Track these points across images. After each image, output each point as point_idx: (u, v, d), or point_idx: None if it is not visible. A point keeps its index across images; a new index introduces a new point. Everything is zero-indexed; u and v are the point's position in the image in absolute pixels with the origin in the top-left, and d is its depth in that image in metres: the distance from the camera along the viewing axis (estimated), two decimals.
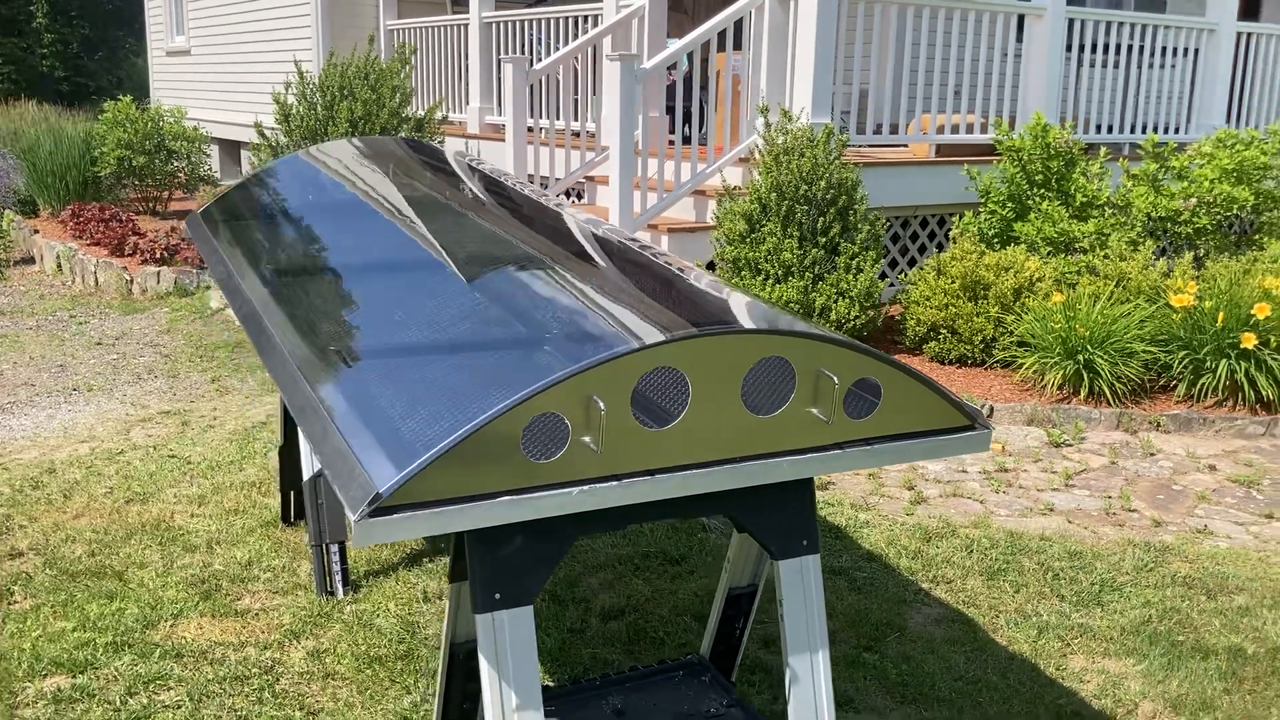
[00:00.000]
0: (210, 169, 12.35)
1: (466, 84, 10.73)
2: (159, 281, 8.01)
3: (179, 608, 3.50)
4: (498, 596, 2.13)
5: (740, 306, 2.35)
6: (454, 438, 1.90)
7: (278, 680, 3.13)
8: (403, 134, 9.59)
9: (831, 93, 7.04)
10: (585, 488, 2.02)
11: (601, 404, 1.99)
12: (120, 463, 4.79)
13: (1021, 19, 8.06)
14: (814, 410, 2.20)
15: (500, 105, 10.28)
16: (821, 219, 6.30)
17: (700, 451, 2.12)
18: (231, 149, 14.13)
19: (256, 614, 3.49)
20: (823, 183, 6.24)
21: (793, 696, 2.40)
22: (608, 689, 2.57)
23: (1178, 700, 3.15)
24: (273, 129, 9.60)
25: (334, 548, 3.63)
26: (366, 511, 1.86)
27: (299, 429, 3.59)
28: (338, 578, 3.62)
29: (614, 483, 2.05)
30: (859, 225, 6.40)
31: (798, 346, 2.15)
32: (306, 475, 3.62)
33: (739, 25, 7.19)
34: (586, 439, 2.02)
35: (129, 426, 5.33)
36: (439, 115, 10.05)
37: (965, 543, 4.12)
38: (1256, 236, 7.74)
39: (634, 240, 2.88)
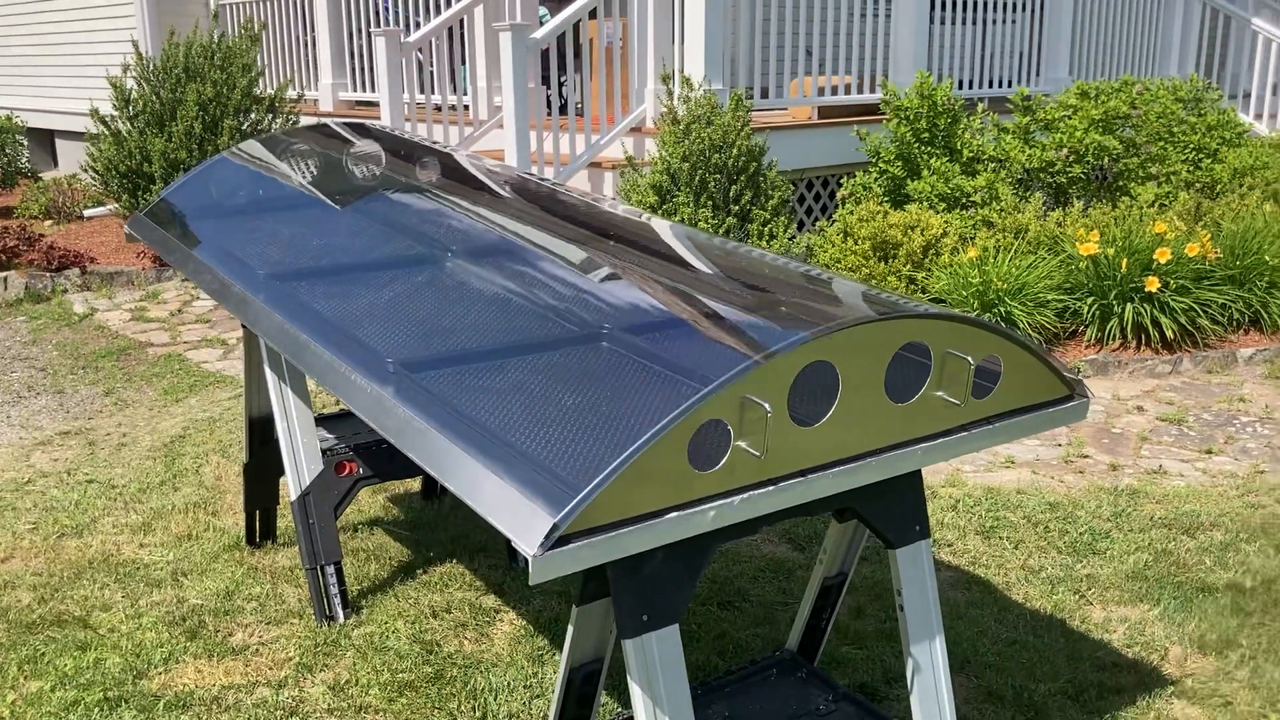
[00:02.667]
0: (27, 161, 11.40)
1: (315, 59, 10.20)
2: (7, 287, 7.33)
3: (167, 651, 3.18)
4: (645, 618, 1.99)
5: (846, 289, 2.25)
6: (628, 453, 1.75)
7: None
8: (254, 115, 9.04)
9: (722, 58, 6.97)
10: (745, 496, 1.90)
11: (767, 405, 1.86)
12: (34, 493, 4.34)
13: None
14: (942, 394, 2.14)
15: (356, 80, 9.83)
16: (733, 187, 6.25)
17: (844, 447, 2.02)
18: (43, 139, 13.06)
19: (256, 649, 3.21)
20: (734, 150, 6.19)
21: (916, 685, 2.35)
22: (709, 696, 2.46)
23: (1202, 640, 3.26)
24: (111, 116, 8.89)
25: (330, 569, 3.37)
26: (546, 545, 1.69)
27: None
28: (337, 601, 3.37)
29: (770, 488, 1.94)
30: (770, 192, 6.38)
31: (937, 329, 2.08)
32: (294, 494, 3.34)
33: None
34: (743, 444, 1.89)
35: (27, 451, 4.84)
36: (291, 94, 9.52)
37: (949, 503, 4.16)
38: (1120, 183, 8.11)
39: (674, 226, 2.74)
